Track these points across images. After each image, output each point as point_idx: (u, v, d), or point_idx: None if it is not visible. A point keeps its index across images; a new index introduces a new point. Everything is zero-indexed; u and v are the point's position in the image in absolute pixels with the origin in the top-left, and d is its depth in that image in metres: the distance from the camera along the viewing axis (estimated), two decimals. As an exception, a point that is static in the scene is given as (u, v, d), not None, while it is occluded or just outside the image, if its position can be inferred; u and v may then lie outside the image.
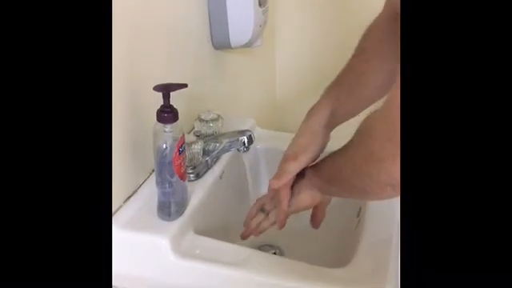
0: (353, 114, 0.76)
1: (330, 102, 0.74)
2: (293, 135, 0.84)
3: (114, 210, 0.68)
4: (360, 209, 0.80)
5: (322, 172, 0.69)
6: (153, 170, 0.75)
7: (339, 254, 0.75)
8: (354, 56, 0.75)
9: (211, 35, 0.95)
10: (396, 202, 0.79)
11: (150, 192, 0.71)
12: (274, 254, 0.82)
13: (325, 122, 0.73)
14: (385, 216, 0.75)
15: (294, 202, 0.73)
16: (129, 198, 0.72)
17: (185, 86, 0.65)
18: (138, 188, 0.74)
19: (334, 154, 0.66)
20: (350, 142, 0.61)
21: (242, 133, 0.81)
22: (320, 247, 0.81)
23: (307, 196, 0.73)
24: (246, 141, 0.80)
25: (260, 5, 0.94)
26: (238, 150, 0.82)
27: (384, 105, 0.53)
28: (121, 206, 0.70)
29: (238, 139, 0.81)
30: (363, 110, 0.74)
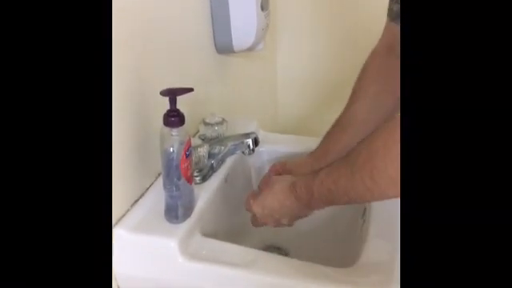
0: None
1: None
2: (295, 137, 0.84)
3: (122, 213, 0.69)
4: (365, 210, 0.81)
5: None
6: (159, 174, 0.76)
7: (345, 255, 0.75)
8: (350, 99, 0.85)
9: (214, 40, 0.96)
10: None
11: (157, 195, 0.72)
12: (280, 254, 0.82)
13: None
14: (389, 217, 0.76)
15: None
16: (136, 201, 0.72)
17: (191, 90, 0.65)
18: (146, 191, 0.75)
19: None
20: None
21: (247, 135, 0.82)
22: (325, 248, 0.81)
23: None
24: (251, 143, 0.81)
25: (262, 9, 0.95)
26: (243, 152, 0.82)
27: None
28: (129, 210, 0.71)
29: (243, 142, 0.82)
30: None
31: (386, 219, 0.75)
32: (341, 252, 0.79)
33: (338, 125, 0.85)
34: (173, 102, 0.64)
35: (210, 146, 0.81)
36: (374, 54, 0.85)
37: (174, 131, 0.64)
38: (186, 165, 0.66)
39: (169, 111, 0.64)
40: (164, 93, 0.63)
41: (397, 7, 0.77)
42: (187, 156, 0.66)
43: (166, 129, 0.65)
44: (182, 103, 0.66)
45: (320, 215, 0.86)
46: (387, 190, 0.61)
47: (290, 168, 0.84)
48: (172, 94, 0.64)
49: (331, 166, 0.69)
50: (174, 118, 0.64)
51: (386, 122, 0.61)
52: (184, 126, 0.65)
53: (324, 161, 0.79)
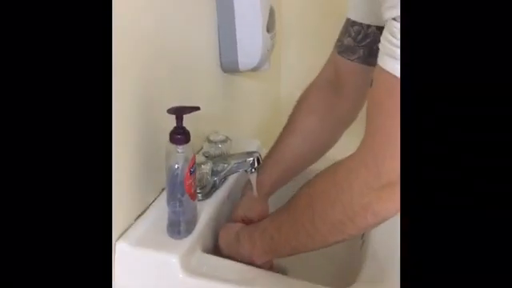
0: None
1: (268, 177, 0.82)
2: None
3: (125, 227, 0.70)
4: (364, 230, 0.82)
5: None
6: (163, 189, 0.77)
7: (344, 275, 0.76)
8: (284, 128, 0.85)
9: (220, 59, 0.98)
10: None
11: (160, 210, 0.73)
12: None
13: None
14: (388, 237, 0.76)
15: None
16: (139, 215, 0.73)
17: (197, 108, 0.67)
18: (149, 206, 0.76)
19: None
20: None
21: (250, 154, 0.83)
22: (325, 268, 0.82)
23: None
24: (252, 162, 0.82)
25: (268, 31, 0.97)
26: (245, 171, 0.83)
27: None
28: (132, 224, 0.71)
29: (245, 160, 0.82)
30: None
31: (385, 240, 0.76)
32: (340, 272, 0.79)
33: (271, 157, 0.84)
34: (179, 120, 0.65)
35: (213, 163, 0.82)
36: (313, 87, 0.82)
37: (180, 148, 0.66)
38: (190, 181, 0.67)
39: (175, 129, 0.66)
40: (171, 111, 0.65)
41: (348, 41, 0.74)
42: (191, 173, 0.67)
43: (172, 146, 0.66)
44: (187, 120, 0.67)
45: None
46: (328, 235, 0.60)
47: (244, 214, 0.83)
48: (179, 112, 0.65)
49: (275, 212, 0.69)
50: (180, 135, 0.65)
51: (326, 168, 0.61)
52: (189, 143, 0.67)
53: (259, 192, 0.80)
